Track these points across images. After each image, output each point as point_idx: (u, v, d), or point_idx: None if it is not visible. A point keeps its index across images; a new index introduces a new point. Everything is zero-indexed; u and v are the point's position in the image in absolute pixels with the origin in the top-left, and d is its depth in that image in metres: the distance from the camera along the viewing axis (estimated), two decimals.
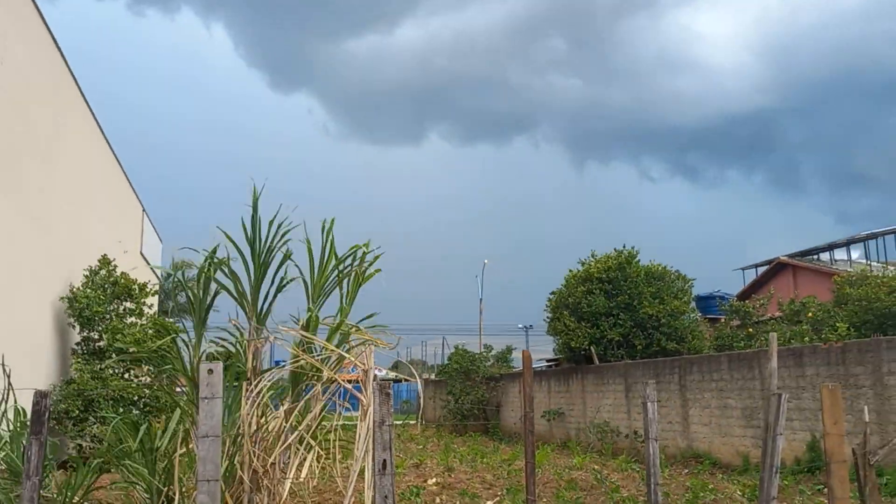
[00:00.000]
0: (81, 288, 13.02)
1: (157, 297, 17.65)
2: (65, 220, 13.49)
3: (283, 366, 5.98)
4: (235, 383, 5.47)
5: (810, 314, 18.04)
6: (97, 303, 12.66)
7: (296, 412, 5.31)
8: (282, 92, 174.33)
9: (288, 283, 5.10)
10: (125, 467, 5.86)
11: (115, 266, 13.78)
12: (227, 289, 5.13)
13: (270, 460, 5.33)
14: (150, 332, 12.74)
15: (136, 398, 12.08)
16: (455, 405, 26.07)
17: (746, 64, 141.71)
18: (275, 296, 5.18)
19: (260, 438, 5.34)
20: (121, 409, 11.25)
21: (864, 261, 29.94)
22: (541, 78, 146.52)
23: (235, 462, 5.32)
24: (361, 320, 5.36)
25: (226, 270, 5.16)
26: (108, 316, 12.92)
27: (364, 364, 4.99)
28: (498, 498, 9.81)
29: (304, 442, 5.12)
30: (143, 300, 13.75)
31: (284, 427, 5.22)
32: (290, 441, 5.15)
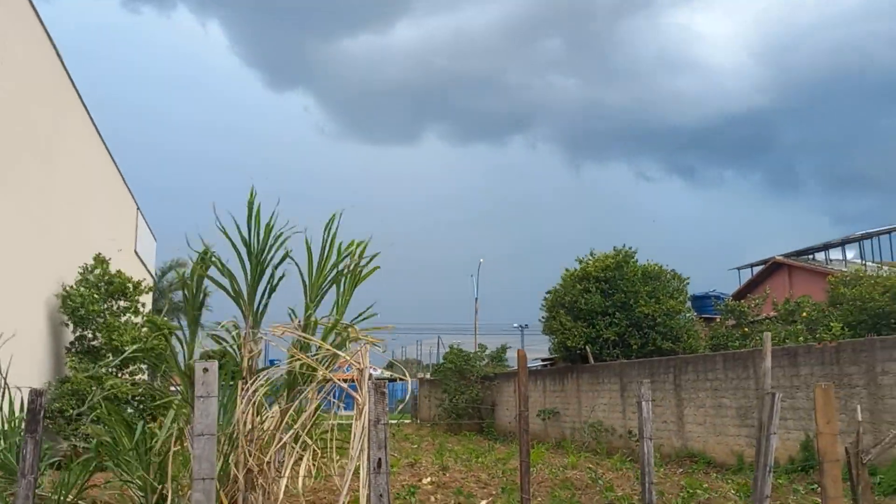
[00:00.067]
0: (75, 286, 12.99)
1: (151, 295, 17.63)
2: (59, 218, 13.46)
3: (279, 364, 5.98)
4: (231, 382, 5.47)
5: (805, 314, 18.10)
6: (91, 301, 12.64)
7: (291, 411, 5.31)
8: (277, 90, 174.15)
9: (281, 278, 5.10)
10: (120, 466, 5.86)
11: (109, 264, 13.75)
12: (224, 286, 5.13)
13: (266, 459, 5.33)
14: (145, 330, 12.74)
15: (130, 397, 12.07)
16: (450, 404, 26.09)
17: (744, 64, 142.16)
18: (270, 295, 5.17)
19: (255, 437, 5.35)
20: (114, 408, 11.21)
21: (860, 261, 30.04)
22: (539, 78, 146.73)
23: (230, 461, 5.32)
24: (355, 318, 5.36)
25: (221, 269, 5.15)
26: (102, 315, 12.90)
27: (359, 363, 5.00)
28: (493, 497, 9.82)
29: (300, 441, 5.12)
30: (137, 297, 13.73)
31: (280, 426, 5.23)
32: (285, 440, 5.16)
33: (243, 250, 5.09)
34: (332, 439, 5.39)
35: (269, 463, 5.40)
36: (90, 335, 13.06)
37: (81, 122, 15.10)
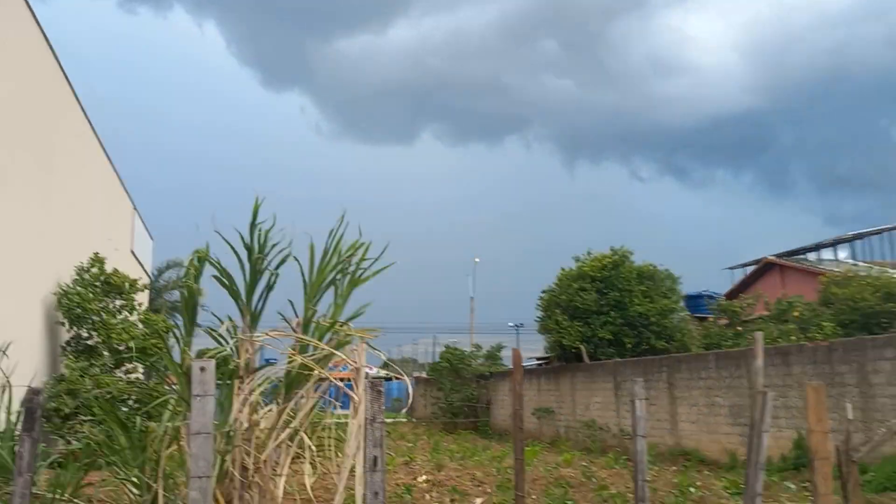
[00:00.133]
0: (72, 285, 12.99)
1: (147, 294, 17.64)
2: (56, 217, 13.45)
3: (274, 363, 6.01)
4: (228, 381, 5.50)
5: (797, 313, 18.21)
6: (87, 299, 12.65)
7: (287, 410, 5.34)
8: (274, 90, 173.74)
9: (277, 278, 5.13)
10: (116, 464, 5.88)
11: (105, 263, 13.76)
12: (224, 282, 5.15)
13: (262, 457, 5.36)
14: (141, 327, 12.76)
15: (126, 395, 12.08)
16: (445, 403, 26.14)
17: (737, 65, 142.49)
18: (267, 294, 5.20)
19: (252, 436, 5.38)
20: (110, 407, 11.22)
21: (851, 261, 30.22)
22: (533, 78, 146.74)
23: (227, 459, 5.35)
24: (350, 318, 5.39)
25: (220, 270, 5.18)
26: (98, 313, 12.91)
27: (356, 362, 5.04)
28: (488, 495, 9.87)
29: (296, 439, 5.16)
30: (132, 296, 13.75)
31: (276, 424, 5.26)
32: (281, 438, 5.19)
33: (243, 253, 5.11)
34: (328, 435, 5.42)
35: (265, 461, 5.44)
36: (86, 334, 13.05)
37: (78, 122, 15.08)
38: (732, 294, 29.66)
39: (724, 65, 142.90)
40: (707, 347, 18.90)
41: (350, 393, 4.95)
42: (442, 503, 9.36)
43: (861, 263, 28.19)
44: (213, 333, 5.27)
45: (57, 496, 5.91)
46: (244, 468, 5.41)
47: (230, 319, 5.26)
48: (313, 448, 5.32)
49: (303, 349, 5.23)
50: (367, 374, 5.01)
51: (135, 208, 20.70)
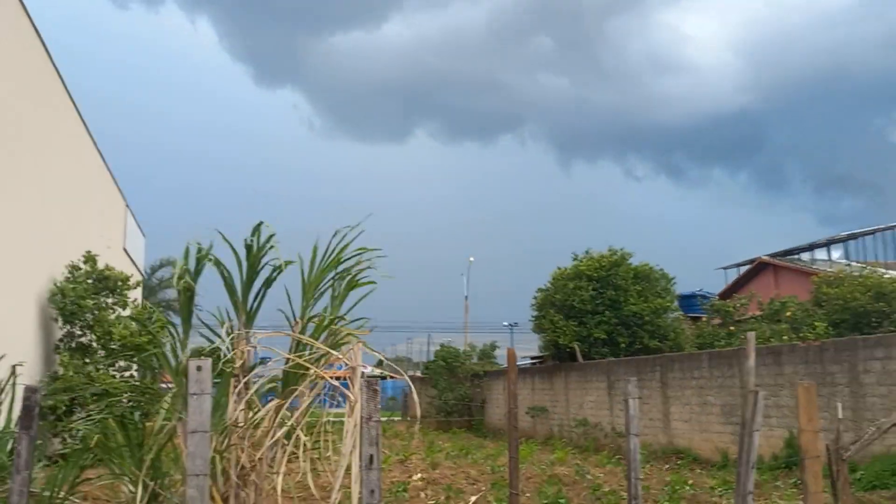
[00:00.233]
0: (65, 282, 12.99)
1: (140, 291, 17.63)
2: (48, 215, 13.43)
3: (268, 361, 6.04)
4: (218, 379, 5.53)
5: (790, 313, 18.33)
6: (81, 296, 12.65)
7: (283, 408, 5.37)
8: (267, 87, 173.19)
9: (277, 274, 5.15)
10: (112, 462, 5.90)
11: (97, 261, 13.76)
12: (223, 276, 5.17)
13: (258, 455, 5.40)
14: (134, 325, 12.76)
15: (121, 393, 12.09)
16: (440, 401, 26.21)
17: (732, 65, 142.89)
18: (264, 293, 5.23)
19: (248, 434, 5.41)
20: (106, 405, 11.24)
21: (845, 261, 30.39)
22: (528, 76, 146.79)
23: (223, 457, 5.38)
24: (345, 316, 5.43)
25: (221, 270, 5.21)
26: (91, 311, 12.91)
27: (352, 361, 5.07)
28: (482, 493, 9.92)
29: (292, 438, 5.19)
30: (125, 292, 13.76)
31: (273, 423, 5.29)
32: (278, 436, 5.22)
33: (243, 252, 5.14)
34: (323, 431, 5.46)
35: (261, 459, 5.47)
36: (79, 332, 13.06)
37: (70, 119, 15.05)
38: (726, 294, 29.80)
39: (721, 64, 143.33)
40: (700, 347, 19.01)
41: (346, 391, 4.99)
42: (437, 501, 9.41)
43: (854, 264, 28.35)
44: (212, 330, 5.30)
45: (54, 494, 5.93)
46: (240, 466, 5.45)
47: (229, 318, 5.29)
48: (308, 446, 5.35)
49: (299, 348, 5.27)
50: (362, 372, 5.05)
51: (127, 206, 20.67)
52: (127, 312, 13.73)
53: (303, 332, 5.25)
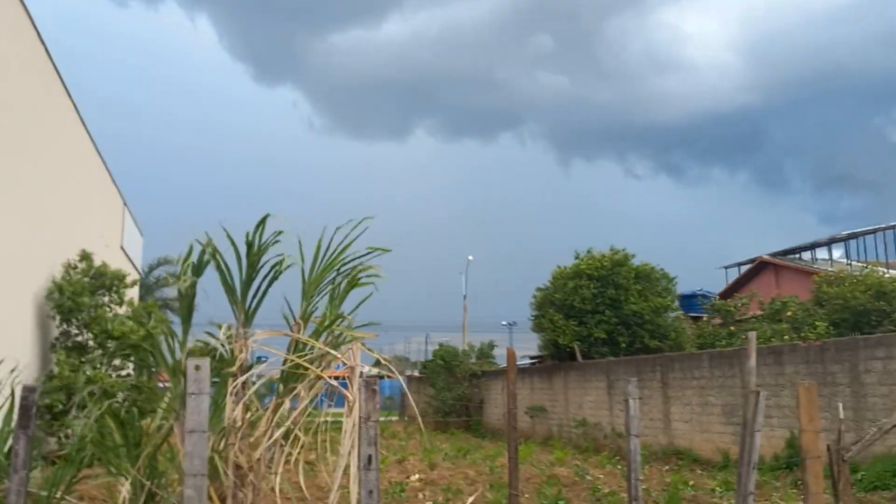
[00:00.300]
0: (61, 281, 12.98)
1: (137, 289, 17.60)
2: (46, 213, 13.40)
3: (265, 361, 6.01)
4: (216, 379, 5.50)
5: (790, 313, 18.31)
6: (79, 293, 12.65)
7: (281, 408, 5.35)
8: (266, 85, 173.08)
9: (282, 272, 5.11)
10: (110, 461, 5.87)
11: (93, 259, 13.75)
12: (223, 274, 5.13)
13: (256, 455, 5.37)
14: (131, 323, 12.74)
15: (117, 392, 12.07)
16: (438, 401, 26.18)
17: (732, 64, 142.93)
18: (265, 292, 5.19)
19: (245, 434, 5.38)
20: (103, 404, 11.21)
21: (845, 260, 30.36)
22: (527, 74, 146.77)
23: (221, 457, 5.35)
24: (347, 317, 5.40)
25: (221, 268, 5.17)
26: (88, 308, 12.89)
27: (351, 361, 5.04)
28: (480, 493, 9.89)
29: (290, 438, 5.17)
30: (122, 290, 13.75)
31: (271, 423, 5.26)
32: (276, 436, 5.19)
33: (242, 248, 5.10)
34: (322, 431, 5.43)
35: (258, 459, 5.44)
36: (75, 330, 13.04)
37: (69, 117, 15.02)
38: (726, 293, 29.78)
39: (720, 63, 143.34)
40: (701, 347, 18.99)
41: (344, 392, 4.96)
42: (435, 502, 9.38)
43: (855, 263, 28.33)
44: (210, 329, 5.27)
45: (51, 494, 5.90)
46: (238, 466, 5.42)
47: (229, 325, 5.26)
48: (306, 446, 5.33)
49: (299, 348, 5.24)
50: (361, 372, 5.02)
51: (125, 204, 20.63)
52: (123, 310, 13.72)
53: (302, 331, 5.22)
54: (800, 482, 9.92)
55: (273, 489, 5.50)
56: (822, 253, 32.04)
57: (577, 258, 21.78)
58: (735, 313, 20.85)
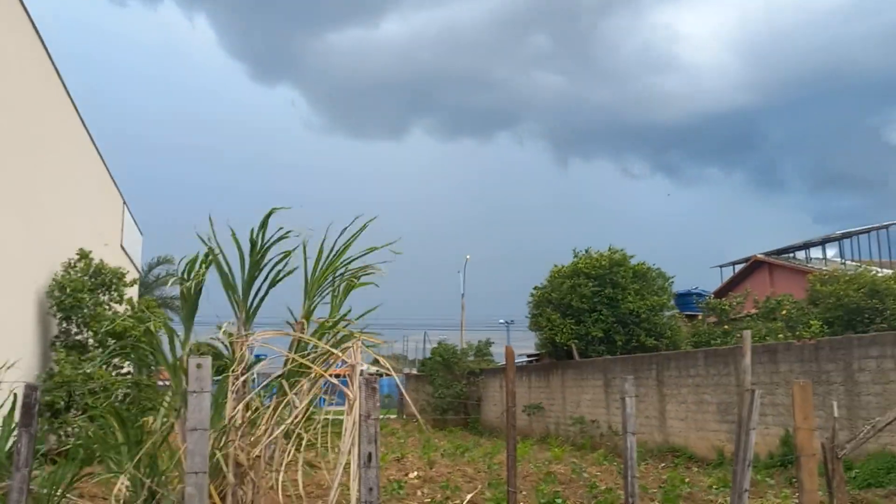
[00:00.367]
0: (61, 279, 13.00)
1: (136, 288, 17.61)
2: (47, 212, 13.42)
3: (264, 358, 6.05)
4: (223, 377, 5.54)
5: (785, 312, 18.41)
6: (80, 289, 12.68)
7: (281, 407, 5.39)
8: (264, 84, 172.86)
9: (284, 276, 5.16)
10: (110, 459, 5.91)
11: (92, 258, 13.77)
12: (223, 272, 5.18)
13: (255, 452, 5.41)
14: (131, 320, 12.78)
15: (118, 390, 12.10)
16: (436, 399, 26.24)
17: (728, 63, 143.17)
18: (267, 291, 5.23)
19: (246, 432, 5.42)
20: (104, 401, 11.25)
21: (839, 259, 30.48)
22: (524, 74, 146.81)
23: (220, 455, 5.39)
24: (350, 320, 5.44)
25: (219, 266, 5.21)
26: (89, 306, 12.93)
27: (352, 359, 5.09)
28: (478, 490, 9.95)
29: (292, 436, 5.21)
30: (122, 288, 13.77)
31: (271, 421, 5.30)
32: (276, 435, 5.24)
33: (246, 247, 5.14)
34: (322, 429, 5.47)
35: (258, 457, 5.48)
36: (75, 329, 13.06)
37: (68, 116, 15.02)
38: (721, 292, 29.89)
39: (716, 62, 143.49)
40: (696, 345, 19.08)
41: (345, 389, 5.01)
42: (433, 499, 9.44)
43: (849, 262, 28.46)
44: (211, 328, 5.31)
45: (52, 492, 5.94)
46: (238, 464, 5.46)
47: (230, 323, 5.30)
48: (306, 444, 5.37)
49: (301, 347, 5.29)
50: (362, 371, 5.07)
51: (125, 203, 20.63)
52: (123, 309, 13.75)
53: (303, 330, 5.26)
54: (794, 480, 10.00)
55: (273, 487, 5.55)
56: (816, 252, 32.16)
57: (575, 257, 21.85)
58: (730, 312, 20.94)
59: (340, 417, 4.98)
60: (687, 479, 11.22)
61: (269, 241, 5.10)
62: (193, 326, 5.47)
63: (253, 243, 5.12)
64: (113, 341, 12.59)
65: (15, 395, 7.09)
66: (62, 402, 11.41)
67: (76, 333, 13.05)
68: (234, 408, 5.48)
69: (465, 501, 8.97)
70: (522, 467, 12.39)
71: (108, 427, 5.98)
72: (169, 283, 5.14)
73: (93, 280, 13.34)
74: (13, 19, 11.70)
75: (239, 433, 5.39)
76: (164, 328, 5.79)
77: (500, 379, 24.18)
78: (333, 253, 5.28)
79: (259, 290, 5.23)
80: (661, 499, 9.45)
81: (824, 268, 25.93)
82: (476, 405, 25.90)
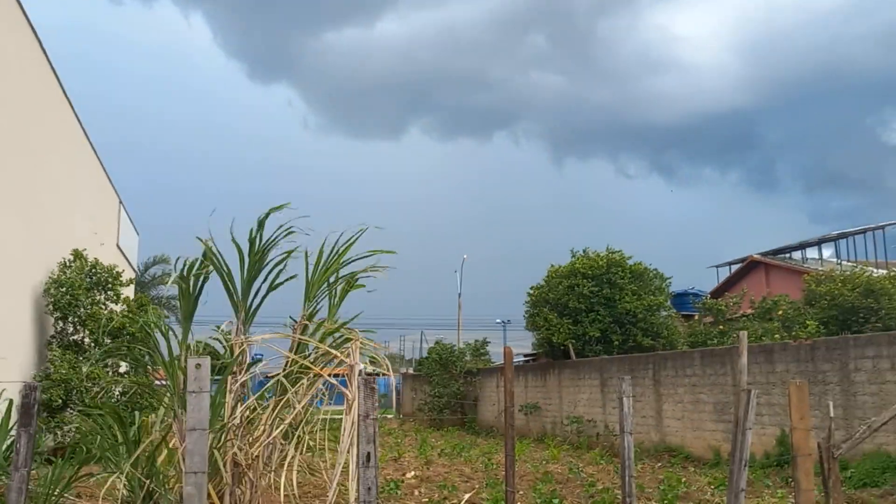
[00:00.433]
0: (57, 278, 12.99)
1: (133, 288, 17.59)
2: (43, 211, 13.40)
3: (261, 359, 6.06)
4: (220, 376, 5.54)
5: (781, 312, 18.45)
6: (76, 287, 12.66)
7: (279, 406, 5.39)
8: (261, 83, 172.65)
9: (284, 281, 5.16)
10: (108, 459, 5.91)
11: (87, 258, 13.76)
12: (222, 272, 5.18)
13: (253, 451, 5.41)
14: (128, 317, 12.77)
15: (114, 390, 12.09)
16: (433, 398, 26.25)
17: (725, 63, 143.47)
18: (268, 291, 5.24)
19: (244, 432, 5.43)
20: (102, 401, 11.24)
21: (835, 260, 30.54)
22: (522, 74, 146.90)
23: (219, 455, 5.40)
24: (342, 324, 5.45)
25: (217, 265, 5.21)
26: (85, 305, 12.91)
27: (350, 359, 5.10)
28: (475, 490, 9.97)
29: (290, 435, 5.22)
30: (118, 287, 13.76)
31: (269, 421, 5.31)
32: (274, 435, 5.25)
33: (245, 246, 5.15)
34: (318, 433, 5.48)
35: (257, 457, 5.49)
36: (71, 328, 13.04)
37: (65, 116, 14.99)
38: (717, 292, 29.94)
39: (713, 63, 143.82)
40: (692, 345, 19.11)
41: (344, 390, 5.02)
42: (431, 499, 9.45)
43: (845, 263, 28.52)
44: (210, 328, 5.32)
45: (50, 491, 5.94)
46: (236, 463, 5.47)
47: (235, 314, 5.31)
48: (305, 444, 5.37)
49: (301, 348, 5.29)
50: (360, 371, 5.08)
51: (121, 202, 20.59)
52: (120, 308, 13.73)
53: (303, 331, 5.27)
54: (790, 479, 10.02)
55: (270, 486, 5.55)
56: (812, 252, 32.22)
57: (573, 257, 21.87)
58: (726, 312, 20.98)
59: (339, 417, 4.99)
60: (684, 479, 11.25)
61: (268, 241, 5.11)
62: (192, 326, 5.47)
63: (251, 242, 5.12)
64: (109, 340, 12.59)
65: (10, 400, 7.10)
66: (59, 401, 11.39)
67: (72, 333, 13.03)
68: (233, 408, 5.49)
69: (464, 501, 8.99)
70: (519, 467, 12.41)
71: (107, 426, 5.98)
72: (168, 283, 5.13)
73: (89, 279, 13.32)
74: (12, 21, 11.69)
75: (238, 433, 5.40)
76: (156, 326, 5.78)
77: (496, 378, 24.19)
78: (333, 255, 5.29)
79: (259, 290, 5.24)
80: (660, 498, 9.48)
81: (820, 268, 25.99)
82: (473, 405, 25.91)
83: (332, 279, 5.32)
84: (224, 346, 5.63)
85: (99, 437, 5.97)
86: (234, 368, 5.40)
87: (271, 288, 5.20)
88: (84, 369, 11.74)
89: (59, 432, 11.42)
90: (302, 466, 5.28)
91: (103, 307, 13.31)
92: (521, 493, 9.75)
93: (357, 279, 5.33)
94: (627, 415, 6.31)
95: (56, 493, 6.11)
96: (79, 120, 15.76)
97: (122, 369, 13.11)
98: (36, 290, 12.78)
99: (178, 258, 5.36)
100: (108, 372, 12.55)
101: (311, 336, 5.22)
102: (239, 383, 5.43)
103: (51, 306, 12.77)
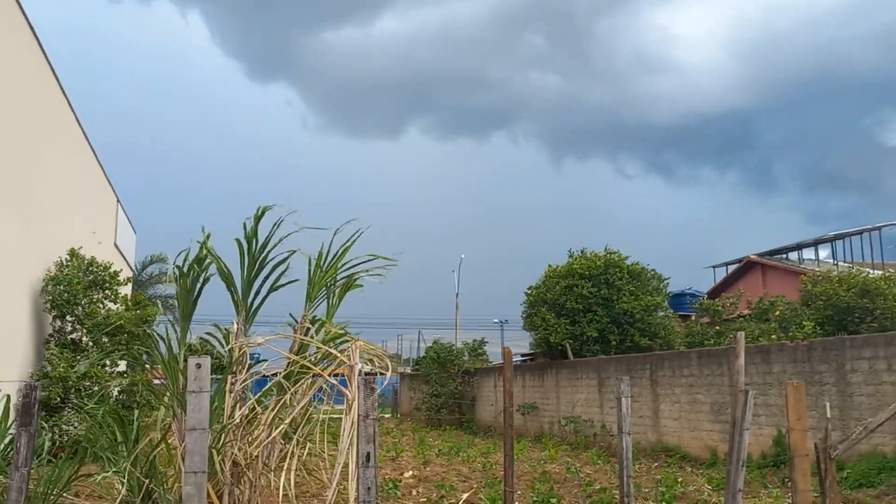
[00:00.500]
0: (55, 277, 12.99)
1: (130, 287, 17.59)
2: (42, 210, 13.39)
3: (259, 358, 6.06)
4: (220, 376, 5.55)
5: (778, 312, 18.49)
6: (74, 285, 12.66)
7: (279, 406, 5.41)
8: (260, 82, 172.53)
9: (285, 284, 5.17)
10: (107, 459, 5.91)
11: (84, 257, 13.76)
12: (222, 271, 5.19)
13: (252, 451, 5.43)
14: (128, 315, 12.78)
15: (112, 388, 12.09)
16: (431, 398, 26.25)
17: (723, 63, 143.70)
18: (269, 291, 5.25)
19: (244, 432, 5.44)
20: (101, 400, 11.25)
21: (832, 260, 30.60)
22: (520, 74, 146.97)
23: (218, 455, 5.41)
24: (345, 332, 5.45)
25: (218, 265, 5.22)
26: (83, 303, 12.91)
27: (350, 360, 5.12)
28: (473, 490, 9.99)
29: (289, 435, 5.23)
30: (115, 286, 13.76)
31: (269, 421, 5.32)
32: (274, 435, 5.26)
33: (245, 245, 5.16)
34: (317, 433, 5.49)
35: (256, 457, 5.50)
36: (69, 327, 13.04)
37: (64, 115, 14.98)
38: (714, 293, 29.99)
39: (711, 63, 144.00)
40: (689, 345, 19.14)
41: (343, 390, 5.03)
42: (429, 499, 9.46)
43: (842, 263, 28.59)
44: (209, 328, 5.33)
45: (49, 490, 5.94)
46: (235, 463, 5.48)
47: (235, 314, 5.32)
48: (304, 444, 5.39)
49: (302, 348, 5.31)
50: (360, 371, 5.10)
51: (118, 201, 20.59)
52: (117, 306, 13.74)
53: (304, 332, 5.28)
54: (787, 480, 10.06)
55: (269, 486, 5.56)
56: (808, 253, 32.29)
57: (570, 257, 21.90)
58: (723, 312, 21.01)
59: (338, 416, 5.00)
60: (681, 479, 11.28)
61: (266, 239, 5.12)
62: (190, 326, 5.48)
63: (249, 240, 5.13)
64: (107, 339, 12.59)
65: (8, 395, 7.09)
66: (58, 399, 11.40)
67: (70, 332, 13.03)
68: (232, 408, 5.50)
69: (462, 501, 9.00)
70: (517, 466, 12.43)
71: (106, 425, 5.98)
72: (167, 282, 5.13)
73: (86, 278, 13.32)
74: (12, 21, 11.68)
75: (238, 433, 5.41)
76: (155, 315, 5.79)
77: (494, 378, 24.22)
78: (333, 257, 5.30)
79: (259, 290, 5.25)
80: (657, 498, 9.50)
81: (817, 269, 26.04)
82: (470, 405, 25.93)
83: (331, 281, 5.34)
84: (222, 345, 5.64)
85: (98, 436, 5.97)
86: (234, 368, 5.41)
87: (273, 289, 5.20)
88: (81, 368, 11.75)
89: (57, 431, 11.42)
90: (300, 466, 5.29)
91: (101, 306, 13.32)
92: (518, 492, 9.77)
93: (357, 279, 5.34)
94: (626, 415, 6.33)
95: (55, 493, 6.12)
96: (77, 120, 15.76)
97: (121, 368, 13.11)
98: (34, 288, 12.77)
99: (177, 255, 5.36)
100: (106, 371, 12.55)
101: (313, 337, 5.24)
102: (240, 383, 5.44)
103: (48, 304, 12.77)
